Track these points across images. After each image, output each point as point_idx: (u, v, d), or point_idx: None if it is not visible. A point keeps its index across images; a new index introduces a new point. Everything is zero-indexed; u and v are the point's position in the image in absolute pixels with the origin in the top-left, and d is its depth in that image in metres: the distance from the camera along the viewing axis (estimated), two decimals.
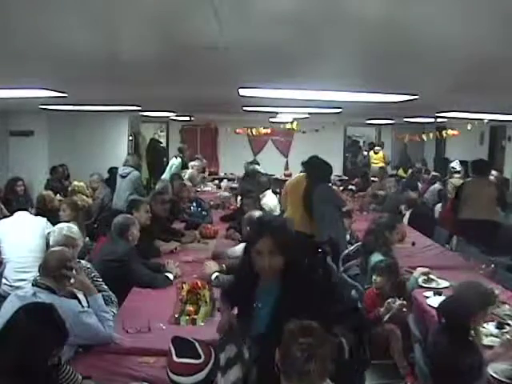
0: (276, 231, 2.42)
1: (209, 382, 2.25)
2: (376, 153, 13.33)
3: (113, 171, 8.73)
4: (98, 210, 7.33)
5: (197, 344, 2.25)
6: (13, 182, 7.34)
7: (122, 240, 4.18)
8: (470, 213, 6.26)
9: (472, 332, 2.89)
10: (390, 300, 3.96)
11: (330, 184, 6.78)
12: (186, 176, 9.58)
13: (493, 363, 2.87)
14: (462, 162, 9.27)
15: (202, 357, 2.21)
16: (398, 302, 3.93)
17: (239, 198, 7.35)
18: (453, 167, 9.20)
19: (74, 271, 2.99)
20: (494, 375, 2.81)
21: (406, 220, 7.11)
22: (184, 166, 10.61)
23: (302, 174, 6.47)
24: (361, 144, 16.47)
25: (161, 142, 14.81)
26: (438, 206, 8.20)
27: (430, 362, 3.04)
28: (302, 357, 1.96)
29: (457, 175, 8.69)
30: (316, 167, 6.21)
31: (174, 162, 10.62)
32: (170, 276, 4.21)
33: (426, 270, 4.52)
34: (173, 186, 7.61)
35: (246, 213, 5.05)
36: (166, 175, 10.28)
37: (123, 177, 7.80)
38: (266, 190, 7.38)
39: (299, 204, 5.93)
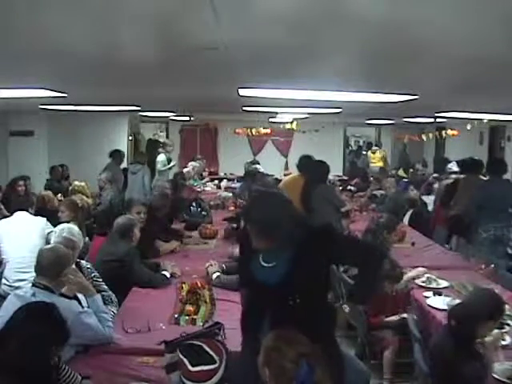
0: (261, 220, 2.42)
1: (225, 377, 2.25)
2: (373, 152, 13.35)
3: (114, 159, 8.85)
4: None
5: (205, 346, 2.24)
6: (14, 182, 7.33)
7: (124, 240, 4.18)
8: (460, 208, 6.40)
9: (478, 340, 2.88)
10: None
11: (329, 184, 6.81)
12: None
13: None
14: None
15: (217, 360, 2.21)
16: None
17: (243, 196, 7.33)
18: (449, 168, 9.22)
19: (69, 276, 2.98)
20: (494, 375, 2.81)
21: (406, 220, 7.10)
22: (169, 162, 10.73)
23: (296, 174, 6.46)
24: (361, 144, 16.50)
25: (160, 142, 14.81)
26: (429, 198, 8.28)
27: (431, 363, 3.03)
28: (300, 370, 1.96)
29: (453, 176, 8.69)
30: (313, 167, 6.26)
31: (159, 159, 10.65)
32: (167, 274, 4.23)
33: (422, 269, 4.52)
34: (176, 185, 7.66)
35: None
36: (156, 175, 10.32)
37: (134, 173, 8.34)
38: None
39: (297, 204, 5.94)
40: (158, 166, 10.42)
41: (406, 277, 4.35)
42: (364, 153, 14.71)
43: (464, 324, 2.84)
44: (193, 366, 2.22)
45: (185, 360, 2.25)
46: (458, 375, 2.75)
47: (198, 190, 9.64)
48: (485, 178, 6.45)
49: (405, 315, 3.93)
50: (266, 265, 2.55)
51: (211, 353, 2.23)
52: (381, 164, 12.64)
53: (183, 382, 2.30)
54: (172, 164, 10.85)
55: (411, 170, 11.30)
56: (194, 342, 2.30)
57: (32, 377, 2.11)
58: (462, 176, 7.31)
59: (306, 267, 2.51)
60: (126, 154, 11.00)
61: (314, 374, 1.97)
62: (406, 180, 9.97)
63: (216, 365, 2.20)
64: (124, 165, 9.92)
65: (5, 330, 2.23)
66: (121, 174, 9.12)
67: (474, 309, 2.87)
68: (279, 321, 2.45)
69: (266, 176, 8.70)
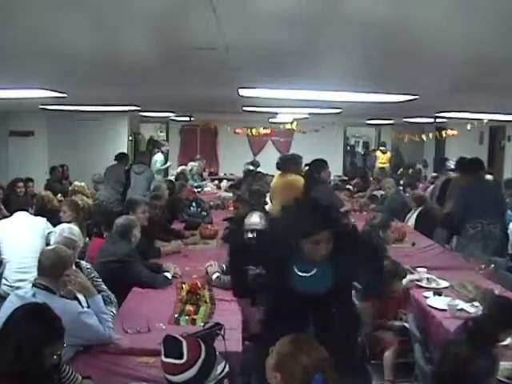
0: (335, 221, 2.43)
1: (203, 377, 2.24)
2: (384, 153, 13.30)
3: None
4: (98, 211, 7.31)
5: (184, 343, 2.25)
6: (14, 183, 7.33)
7: (124, 241, 4.18)
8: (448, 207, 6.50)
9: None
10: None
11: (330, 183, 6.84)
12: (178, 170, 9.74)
13: None
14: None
15: (185, 357, 2.21)
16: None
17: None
18: (448, 165, 9.27)
19: (70, 276, 2.98)
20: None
21: (412, 219, 7.07)
22: (165, 161, 10.77)
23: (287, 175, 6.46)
24: (361, 144, 16.52)
25: (156, 142, 14.88)
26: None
27: (440, 363, 3.02)
28: (314, 379, 1.94)
29: (451, 173, 8.72)
30: (313, 166, 6.32)
31: (157, 159, 10.66)
32: (169, 275, 4.22)
33: (415, 277, 4.49)
34: (174, 186, 7.70)
35: (242, 214, 5.05)
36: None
37: (138, 174, 8.28)
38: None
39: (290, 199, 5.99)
40: (157, 165, 10.43)
41: (407, 278, 4.34)
42: (362, 153, 14.71)
43: (485, 333, 2.84)
44: (165, 356, 2.24)
45: (162, 349, 2.28)
46: (469, 374, 2.74)
47: (198, 190, 9.62)
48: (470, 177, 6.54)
49: (406, 325, 3.92)
50: (304, 274, 2.51)
51: (184, 350, 2.24)
52: (388, 165, 12.63)
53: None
54: (168, 164, 10.87)
55: (411, 171, 11.30)
56: (179, 338, 2.31)
57: (30, 377, 2.11)
58: (453, 175, 7.44)
59: (343, 270, 2.52)
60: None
61: None
62: (400, 183, 9.93)
63: (181, 361, 2.20)
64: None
65: (1, 332, 2.23)
66: (122, 175, 9.11)
67: (497, 320, 2.87)
68: (320, 327, 2.48)
69: (266, 176, 8.70)
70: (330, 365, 2.04)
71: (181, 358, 2.20)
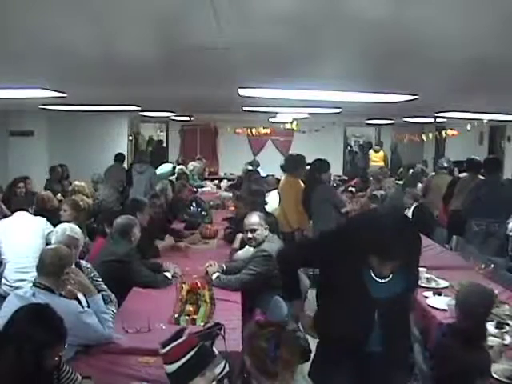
0: (401, 255, 2.41)
1: (185, 377, 2.25)
2: (377, 151, 13.30)
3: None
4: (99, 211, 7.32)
5: (180, 339, 2.27)
6: (14, 183, 7.33)
7: (124, 241, 4.18)
8: (458, 205, 6.68)
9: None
10: None
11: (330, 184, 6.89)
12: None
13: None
14: (458, 162, 9.37)
15: (166, 349, 2.23)
16: None
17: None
18: (440, 163, 9.26)
19: (70, 275, 2.98)
20: (494, 375, 2.81)
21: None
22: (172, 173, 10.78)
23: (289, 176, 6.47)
24: (361, 143, 16.52)
25: (160, 142, 14.91)
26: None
27: (434, 362, 3.02)
28: (269, 346, 2.07)
29: (444, 171, 8.71)
30: (313, 167, 6.35)
31: (164, 169, 10.66)
32: (169, 275, 4.23)
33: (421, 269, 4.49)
34: (173, 186, 7.72)
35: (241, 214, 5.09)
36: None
37: (140, 173, 8.38)
38: (272, 189, 7.37)
39: (294, 205, 6.04)
40: (159, 171, 10.43)
41: None
42: (364, 153, 14.71)
43: (472, 328, 2.85)
44: (163, 347, 2.25)
45: (159, 346, 2.30)
46: (466, 372, 2.74)
47: (195, 190, 9.62)
48: (482, 178, 6.62)
49: None
50: (380, 280, 2.53)
51: (173, 343, 2.25)
52: (382, 164, 12.64)
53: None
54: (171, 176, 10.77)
55: (412, 171, 11.28)
56: (183, 333, 2.31)
57: (29, 378, 2.11)
58: (461, 175, 7.49)
59: (414, 275, 2.64)
60: (126, 154, 11.02)
61: (279, 350, 2.07)
62: (407, 180, 9.92)
63: (163, 350, 2.22)
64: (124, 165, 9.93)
65: (2, 333, 2.23)
66: (123, 174, 9.14)
67: (476, 311, 2.87)
68: (386, 329, 2.53)
69: (265, 177, 8.72)
70: (286, 333, 2.17)
71: (179, 337, 2.23)
